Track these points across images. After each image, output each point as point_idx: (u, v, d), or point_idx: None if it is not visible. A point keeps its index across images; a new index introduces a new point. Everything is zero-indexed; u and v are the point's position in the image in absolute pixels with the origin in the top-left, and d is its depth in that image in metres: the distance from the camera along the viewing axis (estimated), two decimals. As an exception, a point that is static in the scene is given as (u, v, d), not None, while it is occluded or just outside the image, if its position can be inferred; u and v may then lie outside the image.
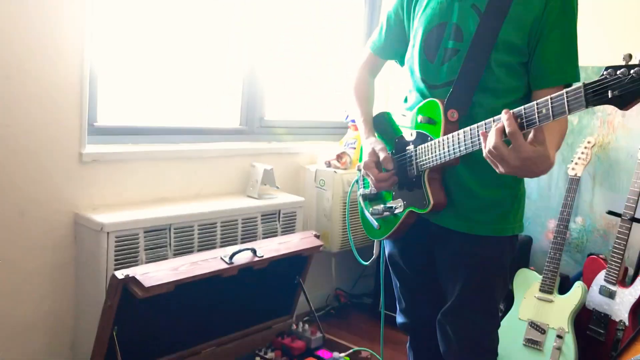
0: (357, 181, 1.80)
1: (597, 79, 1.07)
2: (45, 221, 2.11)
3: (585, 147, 2.69)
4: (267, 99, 2.97)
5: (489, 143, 1.24)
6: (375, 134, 1.65)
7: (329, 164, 3.00)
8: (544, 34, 1.43)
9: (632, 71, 1.02)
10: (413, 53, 1.59)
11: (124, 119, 2.44)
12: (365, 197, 1.73)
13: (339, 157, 2.98)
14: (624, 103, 1.05)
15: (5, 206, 1.99)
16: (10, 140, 1.98)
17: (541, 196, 2.98)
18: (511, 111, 1.22)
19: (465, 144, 1.37)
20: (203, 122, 2.74)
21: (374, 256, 1.87)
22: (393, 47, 1.72)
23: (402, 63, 1.71)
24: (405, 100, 1.67)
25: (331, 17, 3.26)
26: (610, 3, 2.76)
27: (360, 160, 1.72)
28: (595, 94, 1.07)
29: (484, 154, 1.28)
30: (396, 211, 1.59)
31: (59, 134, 2.10)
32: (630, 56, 1.04)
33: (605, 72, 1.06)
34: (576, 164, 2.68)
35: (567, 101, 1.11)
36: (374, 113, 1.74)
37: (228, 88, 2.84)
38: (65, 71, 2.08)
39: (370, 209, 1.69)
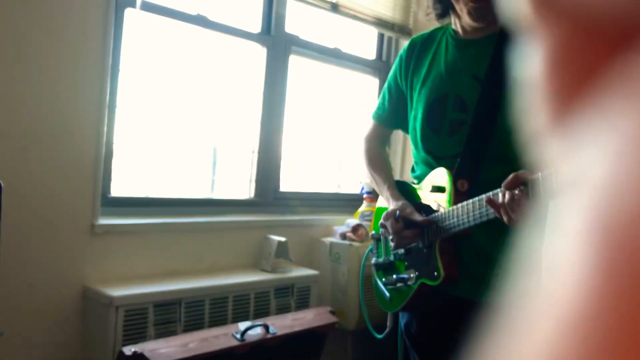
0: (370, 250, 1.74)
1: None
2: (53, 293, 2.05)
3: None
4: (281, 171, 2.96)
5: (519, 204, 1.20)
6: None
7: (344, 237, 2.94)
8: None
9: None
10: (415, 125, 1.58)
11: (137, 191, 2.42)
12: (379, 267, 1.68)
13: (355, 229, 2.92)
14: None
15: (14, 277, 1.94)
16: (24, 210, 1.95)
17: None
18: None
19: (474, 215, 1.34)
20: (216, 194, 2.71)
21: (387, 328, 1.79)
22: (398, 116, 1.71)
23: (407, 131, 1.70)
24: (412, 169, 1.65)
25: (346, 89, 3.30)
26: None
27: (376, 229, 1.67)
28: None
29: (510, 216, 1.23)
30: (409, 282, 1.54)
31: (73, 205, 2.08)
32: None
33: None
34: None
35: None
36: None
37: (242, 159, 2.83)
38: (81, 142, 2.09)
39: (384, 279, 1.63)
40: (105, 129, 2.14)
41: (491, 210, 1.28)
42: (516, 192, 1.20)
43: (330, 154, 3.29)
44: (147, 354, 1.77)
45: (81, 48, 2.05)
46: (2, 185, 1.50)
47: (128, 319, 2.01)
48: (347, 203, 3.29)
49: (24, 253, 1.96)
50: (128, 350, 1.76)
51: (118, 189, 2.31)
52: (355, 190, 3.33)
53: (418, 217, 1.48)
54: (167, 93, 2.47)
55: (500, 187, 1.27)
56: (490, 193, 1.29)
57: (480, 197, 1.32)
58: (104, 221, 2.16)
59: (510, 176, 1.20)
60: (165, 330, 2.12)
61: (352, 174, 3.39)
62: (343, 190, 3.36)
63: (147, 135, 2.43)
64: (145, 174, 2.46)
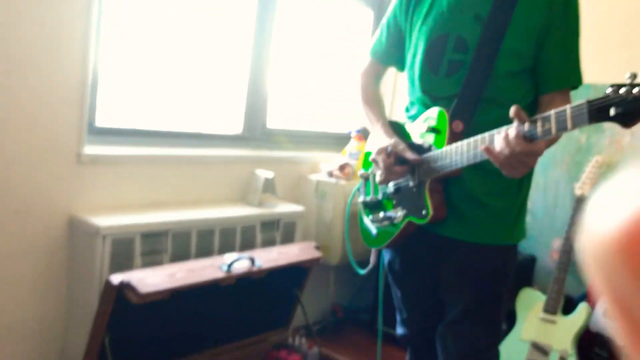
0: (358, 189, 1.75)
1: (601, 96, 1.07)
2: (39, 221, 2.04)
3: (593, 167, 2.65)
4: (270, 106, 2.92)
5: (516, 148, 1.20)
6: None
7: (331, 174, 2.94)
8: (547, 38, 1.42)
9: (635, 90, 1.02)
10: (414, 64, 1.56)
11: (125, 121, 2.38)
12: (366, 205, 1.69)
13: (342, 167, 2.92)
14: (626, 121, 1.05)
15: (1, 203, 1.92)
16: (8, 137, 1.92)
17: (546, 215, 2.93)
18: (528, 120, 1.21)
19: (468, 156, 1.34)
20: (205, 128, 2.68)
21: (370, 265, 1.83)
22: (394, 53, 1.68)
23: (401, 69, 1.68)
24: (407, 109, 1.64)
25: (338, 25, 3.23)
26: (619, 21, 2.73)
27: (365, 167, 1.68)
28: (599, 111, 1.07)
29: (502, 161, 1.23)
30: (395, 220, 1.56)
31: (58, 132, 2.04)
32: (634, 75, 1.04)
33: (609, 90, 1.06)
34: (584, 183, 2.63)
35: (572, 116, 1.11)
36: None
37: (231, 94, 2.79)
38: (67, 69, 2.03)
39: (370, 216, 1.65)
40: (92, 55, 2.08)
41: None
42: (514, 132, 1.20)
43: (320, 92, 3.24)
44: (134, 282, 1.79)
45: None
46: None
47: (115, 248, 2.02)
48: (335, 141, 3.28)
49: (10, 180, 1.94)
50: (116, 279, 1.77)
51: (105, 119, 2.27)
52: (343, 128, 3.32)
53: (410, 154, 1.47)
54: (156, 22, 2.39)
55: (493, 129, 1.27)
56: (486, 133, 1.28)
57: (476, 137, 1.31)
58: (90, 151, 2.13)
59: (514, 107, 1.20)
60: (152, 260, 2.14)
61: (341, 112, 3.36)
62: (331, 128, 3.33)
63: (135, 64, 2.37)
64: (133, 105, 2.41)
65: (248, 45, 2.76)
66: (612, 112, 1.04)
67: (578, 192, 2.62)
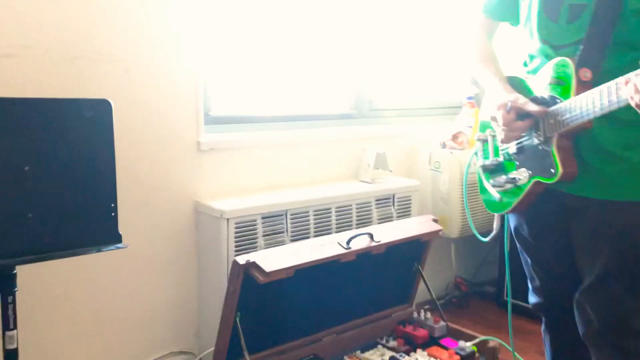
0: (476, 153, 1.67)
1: None
2: (167, 209, 2.16)
3: None
4: (376, 82, 2.89)
5: None
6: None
7: (444, 145, 2.86)
8: None
9: None
10: (531, 13, 1.46)
11: (238, 109, 2.46)
12: (486, 169, 1.62)
13: (455, 137, 2.83)
14: None
15: (131, 196, 2.05)
16: (133, 132, 2.04)
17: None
18: None
19: (602, 104, 1.22)
20: (313, 109, 2.71)
21: (494, 231, 1.75)
22: (506, 7, 1.59)
23: (515, 23, 1.58)
24: (525, 64, 1.54)
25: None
26: None
27: (482, 129, 1.60)
28: None
29: None
30: (520, 182, 1.47)
31: (177, 124, 2.15)
32: None
33: None
34: None
35: None
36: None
37: (337, 73, 2.78)
38: (181, 63, 2.12)
39: (491, 180, 1.57)
40: (203, 47, 2.16)
41: (623, 97, 1.16)
42: None
43: (428, 62, 3.16)
44: (259, 262, 1.84)
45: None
46: (112, 106, 1.56)
47: (239, 230, 2.10)
48: (446, 110, 3.19)
49: (137, 173, 2.07)
50: (241, 259, 1.83)
51: (220, 108, 2.36)
52: (453, 97, 3.21)
53: (533, 106, 1.38)
54: (263, 9, 2.44)
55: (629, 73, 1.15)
56: (622, 77, 1.17)
57: (608, 83, 1.20)
58: (208, 138, 2.22)
59: None
60: (274, 240, 2.20)
61: (451, 81, 3.26)
62: (440, 98, 3.24)
63: (245, 53, 2.43)
64: (245, 92, 2.48)
65: (350, 22, 2.74)
66: None
67: None
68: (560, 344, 1.69)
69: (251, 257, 1.86)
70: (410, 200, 2.70)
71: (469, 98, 2.91)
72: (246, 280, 1.86)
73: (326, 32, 2.69)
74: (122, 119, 1.90)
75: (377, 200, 2.57)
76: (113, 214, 1.57)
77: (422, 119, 3.09)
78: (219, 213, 2.06)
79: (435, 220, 2.43)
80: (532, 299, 1.68)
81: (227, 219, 2.06)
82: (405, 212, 2.69)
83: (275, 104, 2.58)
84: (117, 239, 1.58)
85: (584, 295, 1.46)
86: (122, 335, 2.12)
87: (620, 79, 1.17)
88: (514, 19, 1.57)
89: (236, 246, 2.10)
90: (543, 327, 1.73)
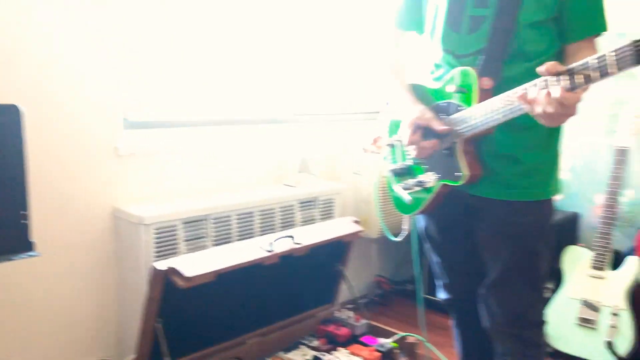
0: (385, 157, 1.75)
1: None
2: (84, 216, 2.12)
3: (635, 117, 2.57)
4: (300, 86, 2.94)
5: (555, 96, 1.17)
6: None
7: (365, 149, 2.94)
8: None
9: None
10: (435, 24, 1.54)
11: (158, 113, 2.43)
12: (395, 172, 1.69)
13: (375, 141, 2.91)
14: None
15: (45, 202, 2.00)
16: (48, 137, 1.99)
17: (587, 171, 2.87)
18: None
19: (504, 111, 1.31)
20: (237, 113, 2.72)
21: (404, 232, 1.83)
22: (413, 17, 1.67)
23: (421, 32, 1.66)
24: (431, 72, 1.62)
25: (353, 5, 3.20)
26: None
27: (390, 134, 1.67)
28: None
29: (543, 114, 1.20)
30: (428, 185, 1.55)
31: (95, 128, 2.11)
32: None
33: None
34: (624, 134, 2.56)
35: (616, 60, 1.07)
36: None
37: (261, 77, 2.81)
38: (99, 66, 2.09)
39: (401, 183, 1.65)
40: (121, 51, 2.13)
41: (521, 106, 1.25)
42: (550, 82, 1.17)
43: (350, 67, 3.23)
44: (179, 267, 1.84)
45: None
46: (23, 111, 1.51)
47: (158, 236, 2.08)
48: (367, 116, 3.26)
49: (53, 178, 2.02)
50: (161, 265, 1.82)
51: (139, 112, 2.33)
52: (375, 103, 3.30)
53: (437, 125, 1.46)
54: (187, 14, 2.43)
55: (522, 84, 1.25)
56: (520, 87, 1.26)
57: (507, 92, 1.29)
58: (127, 143, 2.19)
59: (551, 63, 1.18)
60: (196, 245, 2.20)
61: (373, 86, 3.34)
62: (364, 103, 3.32)
63: (165, 55, 2.41)
64: (166, 96, 2.46)
65: (273, 26, 2.77)
66: None
67: (618, 144, 2.56)
68: (468, 337, 1.79)
69: (171, 262, 1.85)
70: (333, 203, 2.76)
71: (388, 104, 3.00)
72: (167, 286, 1.85)
73: (250, 35, 2.71)
74: (35, 124, 1.87)
75: (300, 204, 2.61)
76: (24, 221, 1.52)
77: (346, 123, 3.16)
78: (138, 219, 2.04)
79: (356, 222, 2.49)
80: (442, 295, 1.77)
81: (147, 225, 2.04)
82: (328, 215, 2.74)
83: (198, 108, 2.57)
84: (28, 247, 1.53)
85: (488, 290, 1.56)
86: (41, 345, 2.06)
87: (518, 89, 1.26)
88: (420, 28, 1.66)
89: (156, 252, 2.08)
90: (452, 321, 1.82)
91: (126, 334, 2.20)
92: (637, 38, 1.04)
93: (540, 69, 1.18)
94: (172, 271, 1.83)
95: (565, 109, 1.17)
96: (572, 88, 1.15)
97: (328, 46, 3.10)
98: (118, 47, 2.14)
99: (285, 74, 2.85)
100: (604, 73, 1.10)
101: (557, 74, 1.17)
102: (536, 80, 1.22)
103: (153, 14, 2.33)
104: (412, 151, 1.55)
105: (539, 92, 1.20)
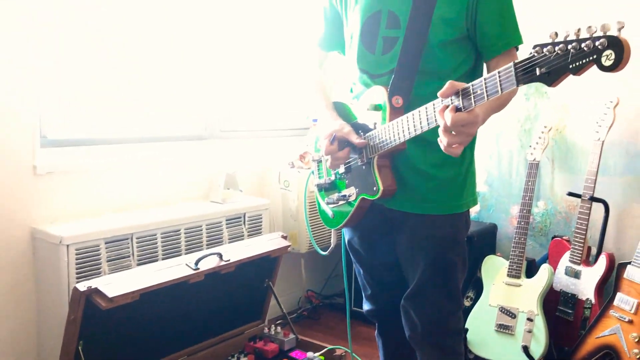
0: (312, 172, 1.79)
1: (526, 57, 1.10)
2: (1, 237, 2.04)
3: (542, 132, 2.74)
4: (227, 103, 2.95)
5: (448, 120, 1.23)
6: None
7: (292, 165, 2.98)
8: (479, 4, 1.45)
9: (557, 48, 1.04)
10: (352, 44, 1.60)
11: (81, 130, 2.38)
12: (321, 187, 1.73)
13: (302, 157, 2.96)
14: (551, 80, 1.07)
15: (-43, 225, 1.92)
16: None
17: (503, 183, 3.02)
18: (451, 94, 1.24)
19: (409, 129, 1.38)
20: (163, 130, 2.69)
21: (331, 245, 1.88)
22: (334, 38, 1.73)
23: (344, 52, 1.72)
24: (351, 90, 1.68)
25: (287, 17, 3.25)
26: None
27: (317, 150, 1.72)
28: (525, 72, 1.09)
29: (445, 130, 1.26)
30: (350, 199, 1.60)
31: (11, 147, 2.04)
32: (556, 34, 1.06)
33: (533, 50, 1.08)
34: (534, 149, 2.72)
35: (500, 80, 1.14)
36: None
37: (187, 93, 2.80)
38: (15, 84, 2.03)
39: (326, 198, 1.69)
40: (39, 68, 2.08)
41: (425, 124, 1.32)
42: (449, 103, 1.24)
43: (277, 84, 3.27)
44: (101, 288, 1.80)
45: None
46: None
47: (80, 256, 2.03)
48: (295, 132, 3.31)
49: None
50: (82, 286, 1.78)
51: (59, 130, 2.27)
52: (301, 119, 3.36)
53: (355, 138, 1.51)
54: (111, 27, 2.39)
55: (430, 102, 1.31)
56: (423, 107, 1.32)
57: (414, 111, 1.36)
58: (45, 162, 2.13)
59: (447, 84, 1.24)
60: (119, 265, 2.15)
61: (299, 103, 3.40)
62: (290, 119, 3.37)
63: (91, 73, 2.36)
64: (91, 113, 2.41)
65: (199, 41, 2.77)
66: (537, 72, 1.07)
67: (530, 158, 2.71)
68: (391, 347, 1.84)
69: (93, 283, 1.81)
70: (261, 218, 2.77)
71: (314, 120, 3.06)
72: (89, 307, 1.81)
73: (176, 52, 2.70)
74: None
75: (227, 220, 2.61)
76: None
77: (272, 139, 3.19)
78: (58, 239, 1.99)
79: (284, 237, 2.52)
80: (365, 306, 1.82)
81: (67, 245, 1.99)
82: (256, 231, 2.75)
83: (121, 124, 2.53)
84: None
85: (408, 301, 1.61)
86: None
87: (422, 107, 1.33)
88: (342, 49, 1.72)
89: (78, 273, 2.03)
90: (376, 331, 1.87)
91: (48, 356, 2.13)
92: (518, 60, 1.11)
93: (439, 93, 1.25)
94: (94, 291, 1.79)
95: (459, 128, 1.23)
96: (463, 108, 1.22)
97: (255, 63, 3.13)
98: (34, 64, 2.08)
99: (212, 90, 2.85)
100: (491, 92, 1.16)
101: (455, 94, 1.23)
102: (436, 101, 1.29)
103: (71, 31, 2.29)
104: (327, 162, 1.59)
105: (435, 116, 1.27)
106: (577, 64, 1.02)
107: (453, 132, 1.25)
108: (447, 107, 1.24)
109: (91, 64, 2.37)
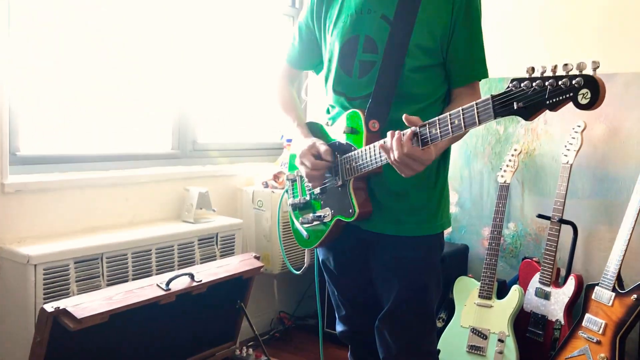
0: (287, 191, 1.79)
1: (503, 91, 1.12)
2: (-35, 257, 1.98)
3: (512, 155, 2.79)
4: (199, 122, 2.94)
5: (404, 150, 1.28)
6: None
7: (266, 185, 2.98)
8: (453, 35, 1.49)
9: (534, 83, 1.07)
10: (330, 67, 1.62)
11: (50, 148, 2.34)
12: (295, 207, 1.73)
13: (276, 176, 2.96)
14: (528, 114, 1.10)
15: None
16: None
17: (474, 205, 3.06)
18: (426, 123, 1.29)
19: (382, 155, 1.39)
20: (134, 148, 2.66)
21: (305, 265, 1.87)
22: (307, 58, 1.75)
23: (317, 72, 1.73)
24: (328, 111, 1.70)
25: (259, 37, 3.27)
26: (513, 17, 2.90)
27: (291, 169, 1.72)
28: (502, 106, 1.12)
29: (395, 160, 1.31)
30: (325, 219, 1.60)
31: (-22, 164, 1.99)
32: (532, 69, 1.09)
33: (510, 85, 1.11)
34: (505, 171, 2.77)
35: (477, 112, 1.17)
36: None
37: (158, 112, 2.78)
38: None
39: (300, 218, 1.69)
40: (7, 85, 2.05)
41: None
42: (404, 136, 1.27)
43: (249, 103, 3.27)
44: (70, 309, 1.76)
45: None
46: None
47: (48, 277, 1.99)
48: (268, 152, 3.31)
49: None
50: (50, 307, 1.74)
51: (30, 147, 2.23)
52: (275, 138, 3.36)
53: (326, 154, 1.53)
54: (76, 45, 2.37)
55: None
56: (398, 132, 1.34)
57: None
58: (13, 180, 2.09)
59: (414, 117, 1.28)
60: (89, 286, 2.11)
61: (272, 122, 3.40)
62: (263, 139, 3.37)
63: (54, 88, 2.33)
64: (59, 131, 2.37)
65: (172, 61, 2.76)
66: (514, 106, 1.09)
67: (500, 180, 2.76)
68: (364, 368, 1.83)
69: (61, 303, 1.77)
70: (233, 238, 2.75)
71: (288, 140, 3.07)
72: (56, 329, 1.76)
73: (150, 69, 2.69)
74: None
75: (199, 240, 2.58)
76: None
77: (245, 159, 3.19)
78: (25, 259, 1.94)
79: (257, 258, 2.50)
80: (339, 327, 1.81)
81: (35, 265, 1.94)
82: (229, 251, 2.73)
83: (93, 143, 2.50)
84: None
85: (382, 322, 1.61)
86: None
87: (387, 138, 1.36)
88: (315, 68, 1.73)
89: (46, 294, 1.98)
90: (349, 354, 1.86)
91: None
92: (496, 93, 1.13)
93: (403, 117, 1.29)
94: (62, 312, 1.75)
95: (407, 159, 1.28)
96: (423, 139, 1.27)
97: (228, 81, 3.13)
98: (2, 79, 2.05)
99: (184, 108, 2.84)
100: (469, 123, 1.19)
101: (414, 124, 1.28)
102: (406, 130, 1.32)
103: (43, 45, 2.27)
104: (306, 181, 1.60)
105: (391, 141, 1.31)
106: (554, 100, 1.05)
107: (401, 162, 1.30)
108: (402, 134, 1.28)
109: (62, 79, 2.35)
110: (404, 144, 1.28)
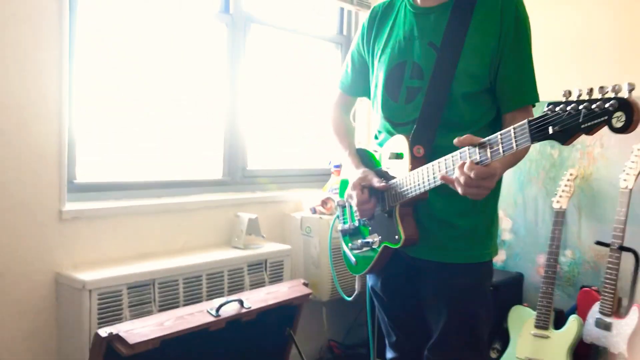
0: (337, 217, 1.79)
1: (539, 115, 1.10)
2: (25, 281, 2.05)
3: (568, 180, 2.70)
4: (249, 149, 2.98)
5: (470, 174, 1.24)
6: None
7: (314, 211, 2.98)
8: (502, 59, 1.47)
9: (569, 107, 1.04)
10: (376, 92, 1.63)
11: (105, 175, 2.42)
12: (345, 233, 1.73)
13: (324, 202, 2.96)
14: (564, 138, 1.07)
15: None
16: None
17: (528, 232, 2.97)
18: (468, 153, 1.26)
19: (429, 180, 1.38)
20: (185, 175, 2.72)
21: (356, 291, 1.85)
22: (360, 85, 1.75)
23: (370, 98, 1.74)
24: (376, 136, 1.70)
25: (310, 64, 3.31)
26: (551, 43, 2.84)
27: (342, 195, 1.71)
28: (538, 130, 1.10)
29: (461, 187, 1.28)
30: (374, 246, 1.59)
31: (38, 192, 2.07)
32: (569, 92, 1.07)
33: (546, 109, 1.09)
34: (560, 196, 2.68)
35: (515, 136, 1.15)
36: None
37: (210, 139, 2.84)
38: (43, 129, 2.07)
39: (350, 244, 1.68)
40: (67, 112, 2.13)
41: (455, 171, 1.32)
42: (467, 157, 1.24)
43: (298, 130, 3.30)
44: (122, 334, 1.79)
45: (37, 34, 2.03)
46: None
47: (102, 302, 2.03)
48: (316, 178, 3.32)
49: (-8, 243, 1.96)
50: (103, 332, 1.77)
51: (86, 175, 2.31)
52: (323, 164, 3.37)
53: (377, 182, 1.52)
54: (129, 76, 2.45)
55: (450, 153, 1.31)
56: (442, 158, 1.33)
57: (433, 162, 1.36)
58: (71, 207, 2.16)
59: (465, 136, 1.25)
60: (141, 311, 2.14)
61: (320, 149, 3.42)
62: (311, 165, 3.38)
63: (113, 118, 2.42)
64: (113, 159, 2.45)
65: (222, 89, 2.82)
66: (550, 130, 1.07)
67: (556, 206, 2.67)
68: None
69: (114, 329, 1.80)
70: (282, 265, 2.75)
71: (336, 166, 3.07)
72: (109, 354, 1.79)
73: (200, 98, 2.75)
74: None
75: (249, 266, 2.59)
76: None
77: (294, 185, 3.20)
78: (81, 284, 1.99)
79: (305, 284, 2.49)
80: (389, 354, 1.78)
81: (90, 290, 1.99)
82: (277, 277, 2.73)
83: (146, 170, 2.56)
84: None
85: (432, 352, 1.58)
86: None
87: (441, 160, 1.34)
88: (368, 94, 1.73)
89: (100, 318, 2.02)
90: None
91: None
92: (532, 118, 1.11)
93: (455, 141, 1.26)
94: (115, 337, 1.78)
95: (478, 181, 1.24)
96: (481, 161, 1.22)
97: (278, 108, 3.17)
98: (66, 108, 2.13)
99: (234, 136, 2.89)
100: (507, 148, 1.17)
101: (472, 146, 1.24)
102: (454, 153, 1.29)
103: (100, 77, 2.36)
104: (356, 212, 1.59)
105: (454, 168, 1.28)
106: (589, 124, 1.02)
107: (471, 186, 1.25)
108: (464, 163, 1.24)
109: (115, 108, 2.43)
110: (467, 168, 1.25)
